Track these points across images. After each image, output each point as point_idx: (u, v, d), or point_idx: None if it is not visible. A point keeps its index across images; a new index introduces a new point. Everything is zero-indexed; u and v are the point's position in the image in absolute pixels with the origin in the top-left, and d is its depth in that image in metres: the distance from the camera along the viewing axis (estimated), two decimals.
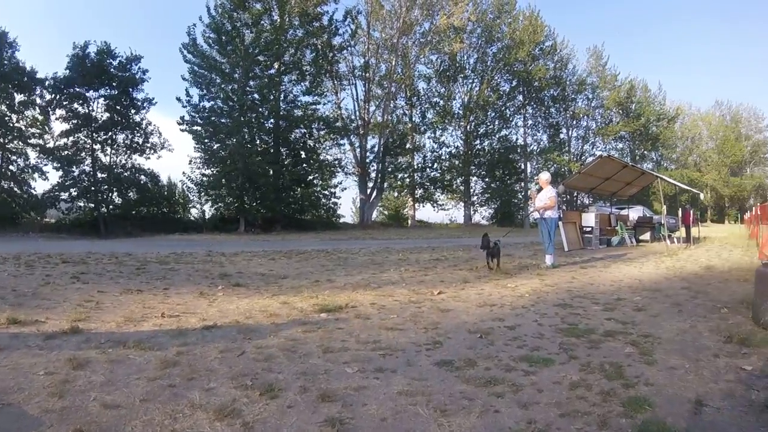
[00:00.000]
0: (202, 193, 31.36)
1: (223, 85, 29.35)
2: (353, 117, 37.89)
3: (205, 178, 30.24)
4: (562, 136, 50.46)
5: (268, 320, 4.92)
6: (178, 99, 29.34)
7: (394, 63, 37.49)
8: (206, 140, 29.63)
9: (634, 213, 24.35)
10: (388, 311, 5.39)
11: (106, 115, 27.91)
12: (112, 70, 27.55)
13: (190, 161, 30.12)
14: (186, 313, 5.25)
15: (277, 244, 17.63)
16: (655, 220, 23.76)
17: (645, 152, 54.37)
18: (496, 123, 45.26)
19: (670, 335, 4.44)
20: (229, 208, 31.01)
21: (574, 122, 51.33)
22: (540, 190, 10.47)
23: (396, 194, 45.26)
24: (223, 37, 29.23)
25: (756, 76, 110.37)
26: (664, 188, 16.12)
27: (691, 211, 19.88)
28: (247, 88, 29.74)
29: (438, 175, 42.25)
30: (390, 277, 8.24)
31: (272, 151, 31.62)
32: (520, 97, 46.48)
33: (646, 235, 20.89)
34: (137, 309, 5.39)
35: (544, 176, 10.45)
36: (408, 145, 41.00)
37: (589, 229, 17.20)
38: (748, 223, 30.23)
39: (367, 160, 37.83)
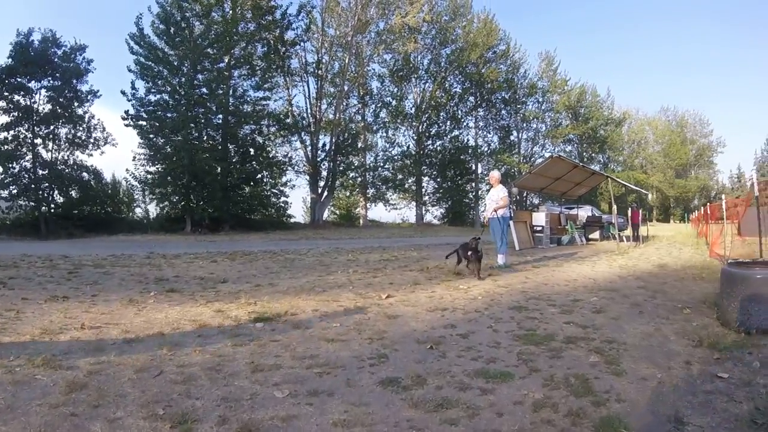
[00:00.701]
0: (147, 192, 29.89)
1: (170, 78, 27.96)
2: (305, 114, 37.06)
3: (149, 176, 28.57)
4: (512, 137, 51.19)
5: (196, 332, 4.31)
6: (123, 92, 27.69)
7: (347, 61, 36.95)
8: (151, 135, 27.99)
9: (583, 212, 24.71)
10: (330, 319, 4.87)
11: (49, 107, 25.80)
12: (56, 59, 25.63)
13: (134, 158, 28.40)
14: (109, 324, 4.60)
15: (224, 245, 16.82)
16: (604, 220, 24.30)
17: (593, 154, 55.88)
18: (448, 124, 45.51)
19: (635, 340, 4.15)
20: (175, 208, 29.48)
21: (525, 124, 52.12)
22: (490, 188, 10.22)
23: (348, 193, 44.68)
24: (172, 28, 27.76)
25: (702, 79, 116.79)
26: (612, 189, 16.27)
27: (639, 211, 20.34)
28: (195, 82, 28.40)
29: (390, 174, 41.98)
30: (337, 279, 7.73)
31: (220, 148, 30.14)
32: (472, 99, 46.83)
33: (596, 234, 21.30)
34: (58, 319, 4.75)
35: (495, 174, 10.14)
36: (360, 144, 40.44)
37: (540, 228, 17.28)
38: (695, 223, 31.47)
39: (319, 159, 37.07)
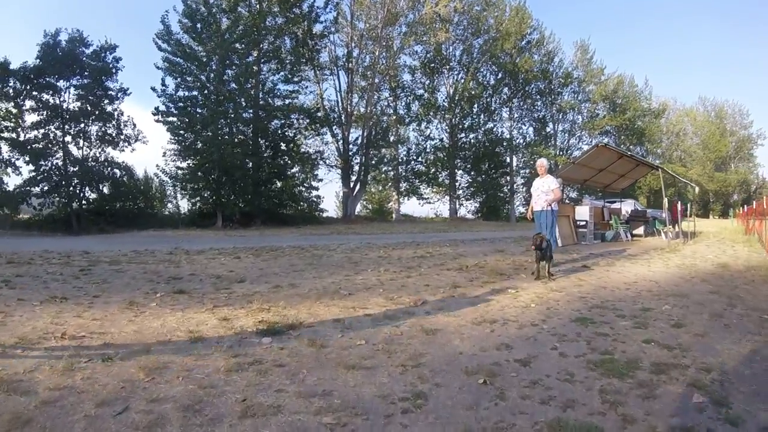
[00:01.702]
0: (177, 187, 29.70)
1: (198, 74, 27.65)
2: (336, 108, 36.50)
3: (180, 172, 28.44)
4: (548, 129, 49.85)
5: (189, 348, 3.58)
6: (153, 89, 27.57)
7: (377, 53, 36.20)
8: (181, 131, 27.88)
9: (627, 206, 23.28)
10: (354, 333, 4.07)
11: (78, 105, 25.88)
12: (84, 58, 25.65)
13: (164, 153, 28.34)
14: (95, 333, 3.93)
15: (253, 240, 16.29)
16: (649, 214, 22.88)
17: (630, 147, 53.54)
18: (482, 116, 44.36)
19: (736, 366, 3.25)
20: (206, 203, 29.21)
21: (561, 116, 50.77)
22: (529, 179, 9.25)
23: (380, 188, 43.99)
24: (198, 24, 27.54)
25: (742, 74, 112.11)
26: (662, 180, 14.98)
27: (679, 205, 19.07)
28: (224, 77, 28.07)
29: (423, 168, 41.01)
30: (366, 280, 6.94)
31: (251, 143, 29.89)
32: (506, 90, 45.72)
33: (640, 230, 20.00)
34: (42, 325, 4.18)
35: (543, 162, 9.11)
36: (392, 138, 39.59)
37: (584, 223, 16.12)
38: (742, 218, 29.72)
39: (350, 153, 36.46)
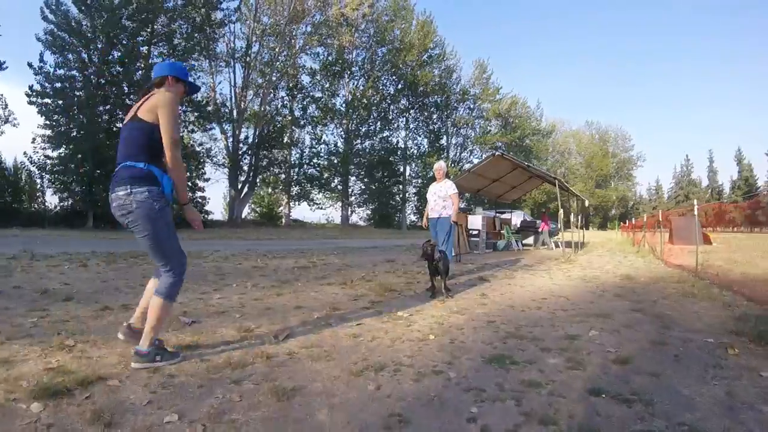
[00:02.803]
0: (45, 180, 25.82)
1: (82, 52, 24.30)
2: (228, 103, 34.10)
3: (49, 162, 24.66)
4: (442, 141, 51.40)
5: None
6: (30, 65, 23.84)
7: (278, 50, 34.46)
8: (55, 115, 24.14)
9: (516, 217, 23.62)
10: (170, 394, 2.55)
11: None
12: None
13: (34, 140, 24.33)
14: None
15: (120, 244, 13.80)
16: (539, 225, 23.43)
17: None
18: (379, 124, 44.40)
19: (726, 422, 2.34)
20: (76, 199, 25.41)
21: (455, 130, 53.01)
22: (423, 184, 8.21)
23: (270, 190, 41.94)
24: None
25: (629, 104, 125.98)
26: (558, 192, 14.88)
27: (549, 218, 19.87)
28: (109, 58, 24.90)
29: (316, 172, 39.80)
30: (224, 299, 5.39)
31: None
32: (405, 101, 46.48)
33: (530, 239, 20.17)
34: None
35: (442, 165, 8.16)
36: (286, 139, 37.89)
37: (476, 232, 15.74)
38: (626, 230, 31.75)
39: (240, 152, 34.18)
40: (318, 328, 4.15)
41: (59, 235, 17.09)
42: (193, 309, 4.79)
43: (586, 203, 23.23)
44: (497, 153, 14.78)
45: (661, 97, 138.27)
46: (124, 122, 3.09)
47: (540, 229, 18.72)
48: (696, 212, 10.07)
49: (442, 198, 7.77)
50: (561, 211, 14.43)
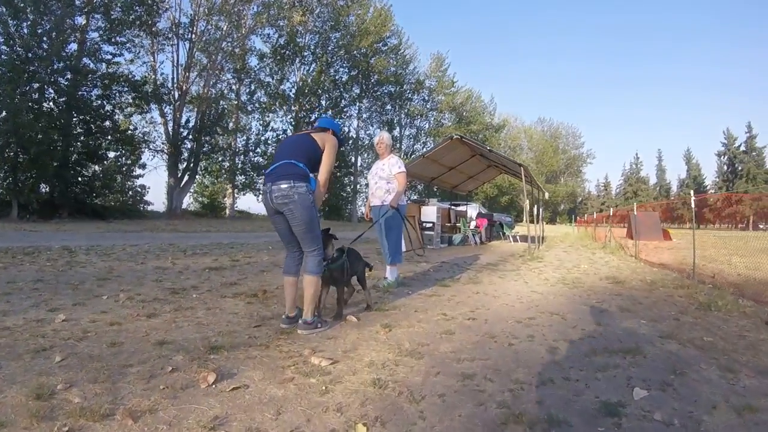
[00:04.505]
0: None
1: (9, 21, 20.96)
2: (169, 85, 31.09)
3: None
4: (395, 132, 49.98)
5: None
6: None
7: (225, 29, 31.90)
8: None
9: (472, 210, 22.23)
10: None
11: None
12: None
13: None
14: None
15: (35, 237, 12.06)
16: (496, 218, 22.29)
17: None
18: (330, 112, 42.40)
19: None
20: None
21: (408, 121, 52.02)
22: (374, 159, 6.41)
23: (213, 179, 39.11)
24: None
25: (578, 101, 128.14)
26: (523, 180, 13.31)
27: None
28: (39, 29, 21.80)
29: (262, 160, 36.97)
30: (68, 323, 3.54)
31: (57, 113, 23.42)
32: (357, 90, 44.72)
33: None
34: None
35: (385, 138, 6.27)
36: (231, 125, 35.33)
37: (431, 225, 14.16)
38: (583, 224, 31.19)
39: (180, 136, 31.49)
40: (163, 399, 2.24)
41: None
42: (12, 340, 3.02)
43: (546, 196, 22.22)
44: (455, 136, 13.14)
45: (612, 97, 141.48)
46: (295, 133, 4.60)
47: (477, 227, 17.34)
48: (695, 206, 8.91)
49: (385, 179, 5.97)
50: (527, 202, 13.06)
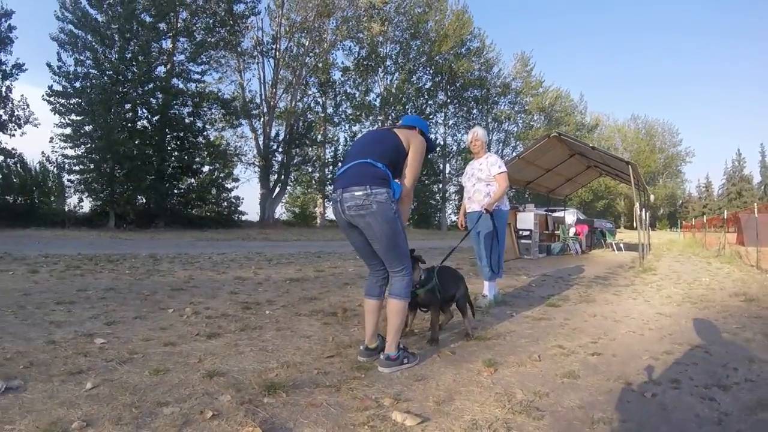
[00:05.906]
0: (63, 179, 24.35)
1: (98, 48, 22.95)
2: (257, 100, 32.42)
3: (67, 161, 23.41)
4: None
5: None
6: (49, 65, 22.62)
7: (308, 45, 32.66)
8: (73, 114, 22.86)
9: (570, 216, 20.62)
10: None
11: None
12: None
13: (51, 139, 23.21)
14: None
15: (129, 245, 12.72)
16: (597, 224, 20.34)
17: None
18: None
19: None
20: (97, 198, 24.16)
21: (496, 125, 50.31)
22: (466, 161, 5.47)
23: (304, 190, 40.09)
24: None
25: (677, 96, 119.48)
26: (632, 180, 11.75)
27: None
28: (127, 54, 23.46)
29: None
30: (117, 339, 3.18)
31: (152, 130, 25.37)
32: (442, 96, 43.96)
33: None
34: None
35: (480, 134, 5.25)
36: (319, 137, 36.04)
37: (527, 233, 13.07)
38: (694, 230, 28.32)
39: (271, 150, 32.52)
40: None
41: (74, 237, 15.68)
42: (51, 357, 2.72)
43: (652, 198, 20.10)
44: (553, 133, 12.00)
45: (707, 90, 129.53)
46: (377, 129, 3.54)
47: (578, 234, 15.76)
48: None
49: (484, 181, 5.10)
50: (636, 205, 11.68)
